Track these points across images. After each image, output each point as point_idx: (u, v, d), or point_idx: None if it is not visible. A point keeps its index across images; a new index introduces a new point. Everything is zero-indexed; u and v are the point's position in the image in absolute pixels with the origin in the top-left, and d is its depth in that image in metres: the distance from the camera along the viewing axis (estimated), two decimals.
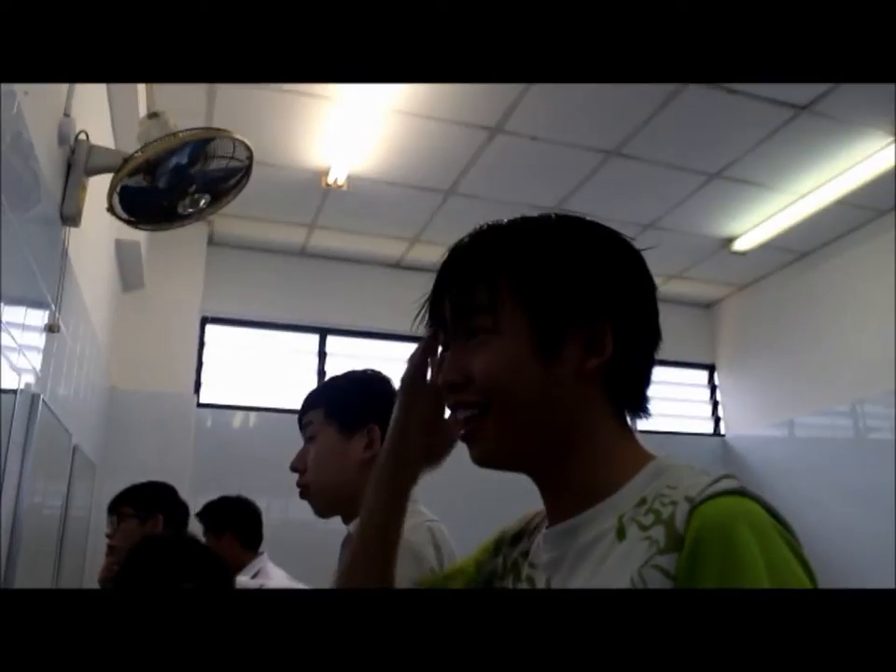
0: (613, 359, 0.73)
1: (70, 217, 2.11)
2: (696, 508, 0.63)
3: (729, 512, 0.62)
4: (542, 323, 0.73)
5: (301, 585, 1.88)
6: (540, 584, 0.75)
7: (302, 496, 1.41)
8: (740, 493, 0.65)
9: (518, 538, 0.85)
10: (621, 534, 0.67)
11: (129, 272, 3.80)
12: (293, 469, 1.44)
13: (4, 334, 1.62)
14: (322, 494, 1.39)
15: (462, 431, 0.77)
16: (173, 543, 1.88)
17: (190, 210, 2.24)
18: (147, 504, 2.41)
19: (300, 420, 1.49)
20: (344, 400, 1.40)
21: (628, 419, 0.77)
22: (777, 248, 4.63)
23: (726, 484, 0.65)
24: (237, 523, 2.72)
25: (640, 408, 0.77)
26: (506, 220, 0.79)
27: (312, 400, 1.46)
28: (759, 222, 4.34)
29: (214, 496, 2.89)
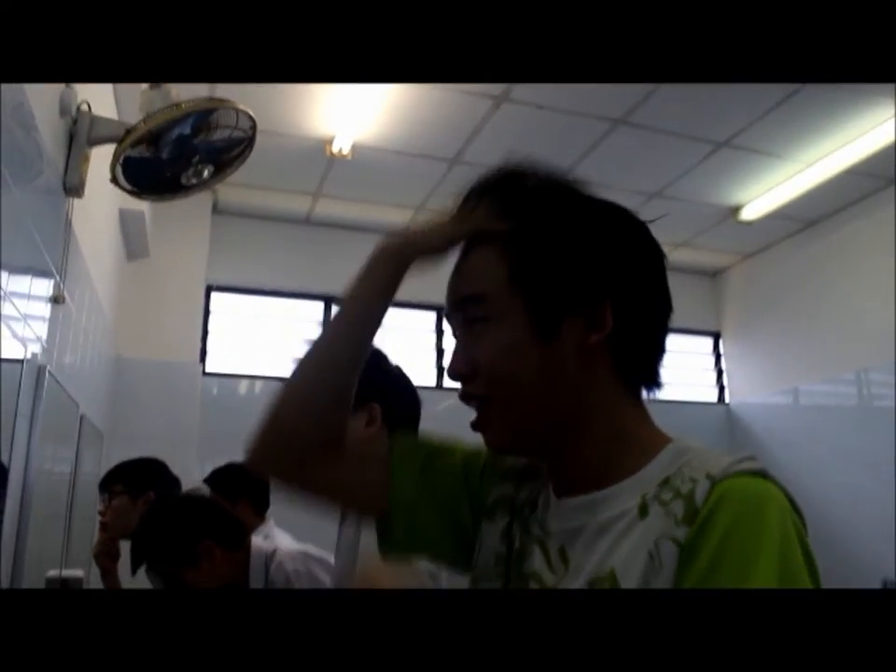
0: (617, 333, 0.71)
1: (73, 187, 2.11)
2: (717, 484, 0.63)
3: (756, 491, 0.63)
4: (537, 305, 0.72)
5: (308, 548, 1.91)
6: (553, 550, 0.75)
7: None
8: (762, 475, 0.65)
9: (523, 478, 0.83)
10: (643, 511, 0.67)
11: (133, 241, 3.79)
12: None
13: (7, 304, 1.62)
14: None
15: (474, 420, 0.76)
16: (193, 502, 1.91)
17: (194, 181, 2.24)
18: (138, 481, 2.42)
19: None
20: None
21: (643, 393, 0.76)
22: (783, 217, 4.59)
23: (749, 465, 0.65)
24: (251, 489, 2.73)
25: (653, 380, 0.76)
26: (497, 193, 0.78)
27: None
28: (766, 191, 4.30)
29: (220, 463, 2.92)
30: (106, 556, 2.46)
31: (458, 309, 0.77)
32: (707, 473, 0.65)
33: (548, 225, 0.74)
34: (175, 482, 2.53)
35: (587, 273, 0.72)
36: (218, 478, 2.81)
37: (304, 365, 0.83)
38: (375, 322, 0.82)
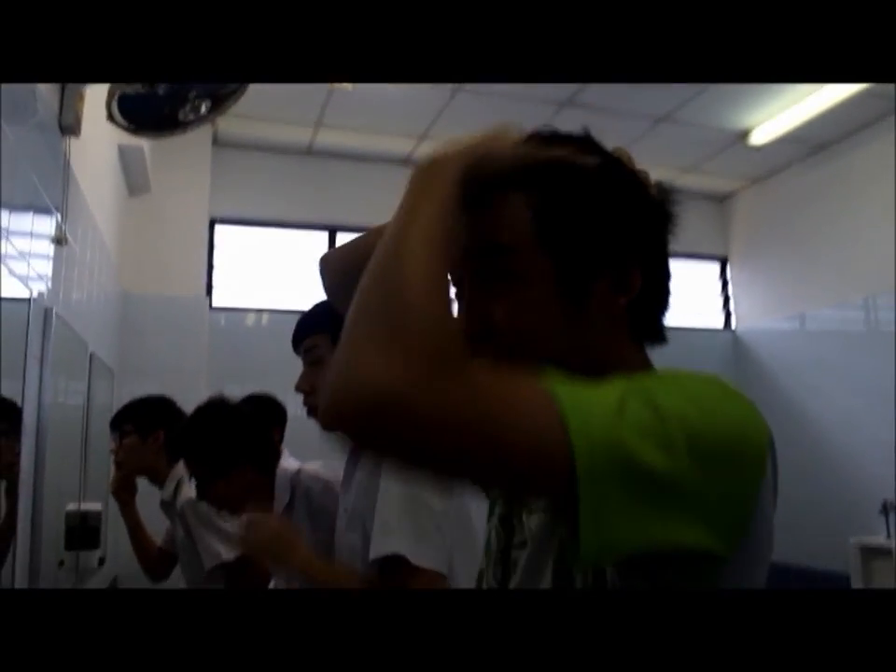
0: (639, 296, 0.71)
1: (69, 127, 2.08)
2: None
3: None
4: (569, 265, 0.69)
5: (320, 475, 1.94)
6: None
7: (311, 414, 1.44)
8: None
9: None
10: None
11: (134, 176, 3.76)
12: (298, 389, 1.47)
13: (9, 246, 1.63)
14: None
15: None
16: (240, 418, 1.94)
17: (191, 116, 2.20)
18: (146, 421, 2.49)
19: (299, 340, 1.49)
20: None
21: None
22: (793, 141, 4.50)
23: None
24: (277, 419, 2.76)
25: (660, 337, 0.76)
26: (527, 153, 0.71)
27: (316, 324, 1.47)
28: (776, 114, 4.20)
29: (229, 394, 2.93)
30: (123, 491, 2.56)
31: (478, 256, 0.71)
32: None
33: (585, 185, 0.71)
34: (180, 409, 2.55)
35: (620, 237, 0.70)
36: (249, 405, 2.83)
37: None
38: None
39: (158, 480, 2.49)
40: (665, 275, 0.75)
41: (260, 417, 2.20)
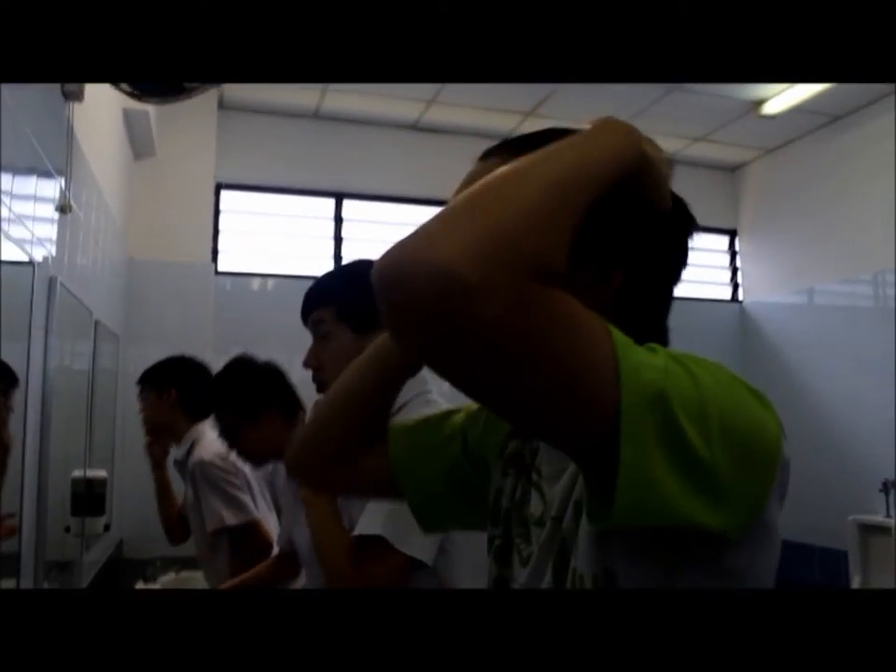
0: (625, 296, 0.70)
1: (72, 92, 2.05)
2: None
3: None
4: None
5: None
6: (545, 491, 0.77)
7: (320, 391, 1.44)
8: None
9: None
10: None
11: (139, 141, 3.73)
12: (306, 365, 1.47)
13: (9, 211, 1.62)
14: None
15: None
16: (270, 369, 2.04)
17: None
18: (162, 378, 2.58)
19: (306, 313, 1.49)
20: (356, 302, 1.38)
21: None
22: (807, 111, 4.42)
23: None
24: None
25: (659, 337, 0.74)
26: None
27: (321, 297, 1.46)
28: (790, 84, 4.12)
29: None
30: (154, 451, 2.66)
31: None
32: None
33: None
34: (203, 369, 2.64)
35: (598, 235, 0.69)
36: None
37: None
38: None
39: (174, 436, 2.56)
40: (660, 278, 0.74)
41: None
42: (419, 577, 1.24)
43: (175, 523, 2.69)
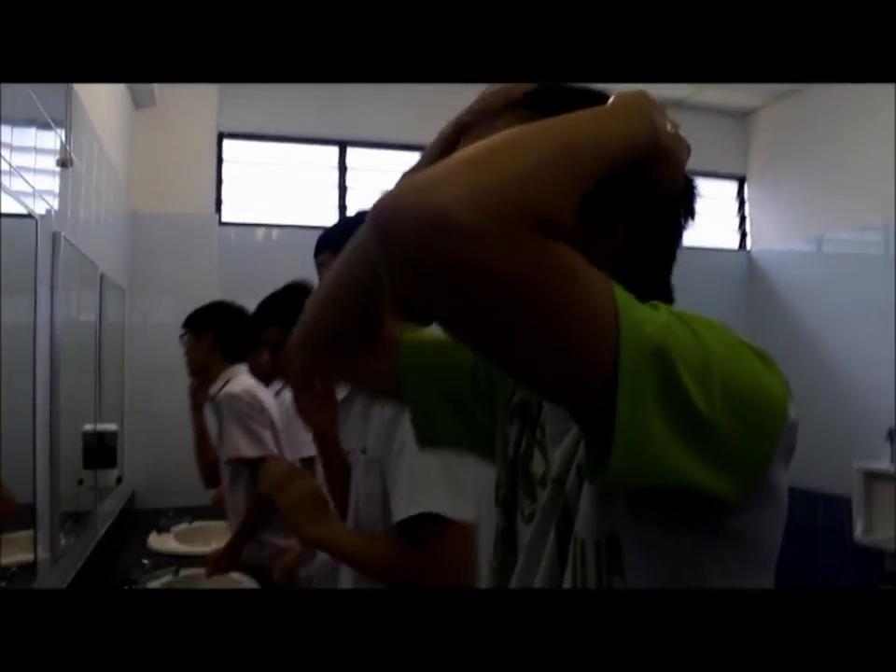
0: (628, 252, 0.69)
1: None
2: None
3: None
4: None
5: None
6: (549, 452, 0.77)
7: None
8: None
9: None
10: None
11: (139, 89, 3.67)
12: None
13: (11, 171, 1.60)
14: None
15: None
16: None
17: None
18: (200, 322, 2.67)
19: (315, 254, 1.50)
20: None
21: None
22: None
23: None
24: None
25: (663, 295, 0.73)
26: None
27: (325, 239, 1.48)
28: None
29: None
30: (195, 393, 2.75)
31: None
32: None
33: None
34: (240, 312, 2.69)
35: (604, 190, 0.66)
36: None
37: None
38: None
39: (211, 376, 2.64)
40: (664, 232, 0.73)
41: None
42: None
43: (211, 466, 2.75)
